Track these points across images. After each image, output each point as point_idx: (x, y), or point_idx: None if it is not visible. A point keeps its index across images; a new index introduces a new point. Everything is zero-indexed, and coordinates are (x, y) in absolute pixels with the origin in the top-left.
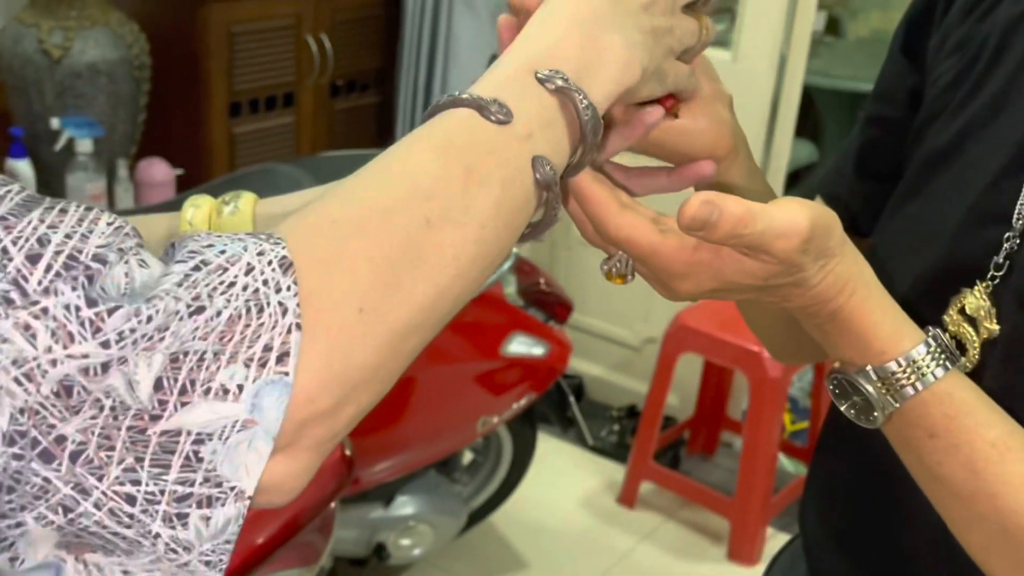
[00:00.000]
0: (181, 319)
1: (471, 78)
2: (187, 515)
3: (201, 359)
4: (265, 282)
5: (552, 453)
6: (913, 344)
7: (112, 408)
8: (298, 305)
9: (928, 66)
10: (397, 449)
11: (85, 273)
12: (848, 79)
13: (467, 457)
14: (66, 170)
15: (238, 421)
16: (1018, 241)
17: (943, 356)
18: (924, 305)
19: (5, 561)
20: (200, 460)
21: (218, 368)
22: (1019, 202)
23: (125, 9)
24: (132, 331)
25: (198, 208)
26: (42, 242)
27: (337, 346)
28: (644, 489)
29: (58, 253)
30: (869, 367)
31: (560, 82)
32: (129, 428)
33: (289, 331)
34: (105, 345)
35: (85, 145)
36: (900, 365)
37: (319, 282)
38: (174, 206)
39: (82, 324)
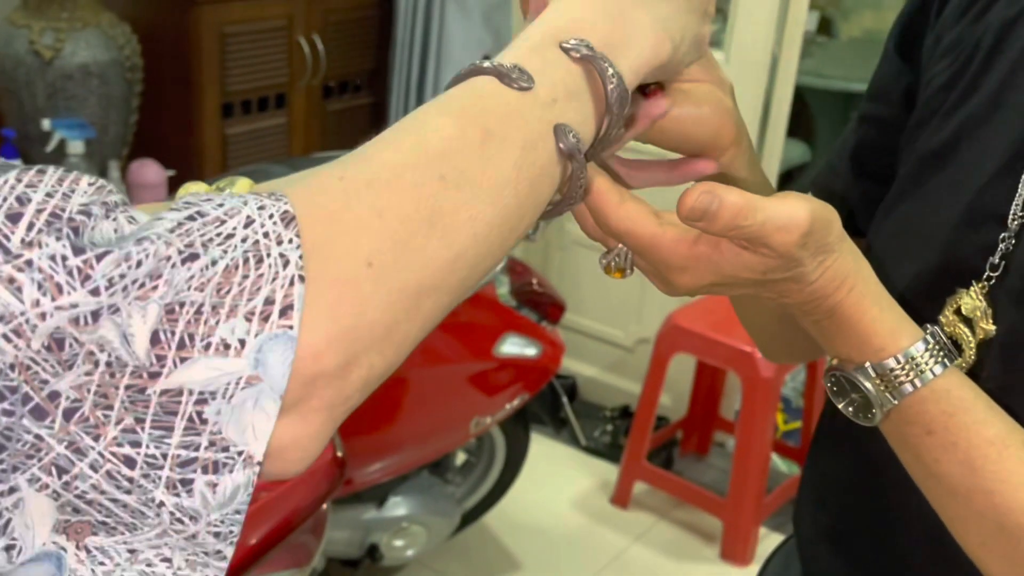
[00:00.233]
0: (174, 265)
1: None
2: (192, 481)
3: (199, 311)
4: (266, 234)
5: (545, 454)
6: (911, 341)
7: (108, 364)
8: (300, 258)
9: (923, 66)
10: (390, 450)
11: (70, 225)
12: (840, 79)
13: (460, 458)
14: None
15: (241, 378)
16: (1013, 242)
17: (941, 353)
18: (919, 305)
19: (2, 552)
20: (204, 422)
21: (217, 322)
22: (1014, 203)
23: (116, 10)
24: (122, 276)
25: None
26: (22, 200)
27: (345, 300)
28: (637, 489)
29: (40, 211)
30: (867, 364)
31: (585, 50)
32: (128, 387)
33: (292, 283)
34: (95, 292)
35: (76, 146)
36: (899, 362)
37: (324, 235)
38: None
39: (69, 273)
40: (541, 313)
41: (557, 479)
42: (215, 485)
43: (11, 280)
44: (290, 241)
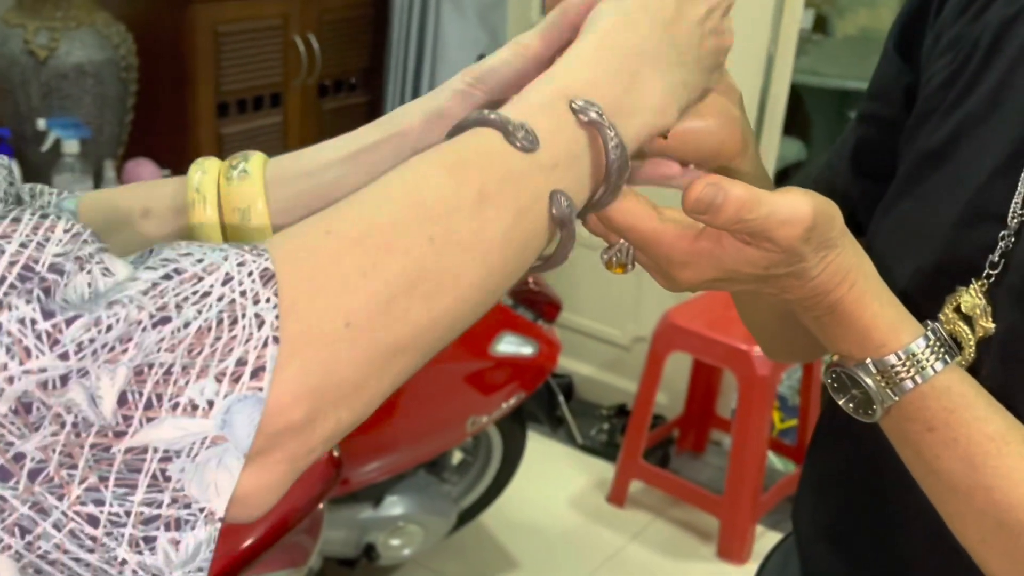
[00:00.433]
0: (144, 329)
1: None
2: (155, 539)
3: (168, 372)
4: (243, 293)
5: (542, 452)
6: (912, 337)
7: (74, 424)
8: (277, 317)
9: (922, 65)
10: (386, 449)
11: (41, 286)
12: (836, 77)
13: (457, 457)
14: (53, 171)
15: (207, 438)
16: (1013, 239)
17: (942, 350)
18: (919, 304)
19: None
20: (168, 479)
21: (187, 383)
22: (1013, 200)
23: (111, 10)
24: (91, 341)
25: (205, 173)
26: None
27: (317, 358)
28: (634, 488)
29: (12, 264)
30: (868, 360)
31: (594, 115)
32: (93, 445)
33: (265, 344)
34: (63, 357)
35: (72, 146)
36: (900, 358)
37: (304, 292)
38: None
39: (38, 337)
40: (537, 312)
41: (553, 478)
42: (177, 542)
43: None
44: (267, 300)
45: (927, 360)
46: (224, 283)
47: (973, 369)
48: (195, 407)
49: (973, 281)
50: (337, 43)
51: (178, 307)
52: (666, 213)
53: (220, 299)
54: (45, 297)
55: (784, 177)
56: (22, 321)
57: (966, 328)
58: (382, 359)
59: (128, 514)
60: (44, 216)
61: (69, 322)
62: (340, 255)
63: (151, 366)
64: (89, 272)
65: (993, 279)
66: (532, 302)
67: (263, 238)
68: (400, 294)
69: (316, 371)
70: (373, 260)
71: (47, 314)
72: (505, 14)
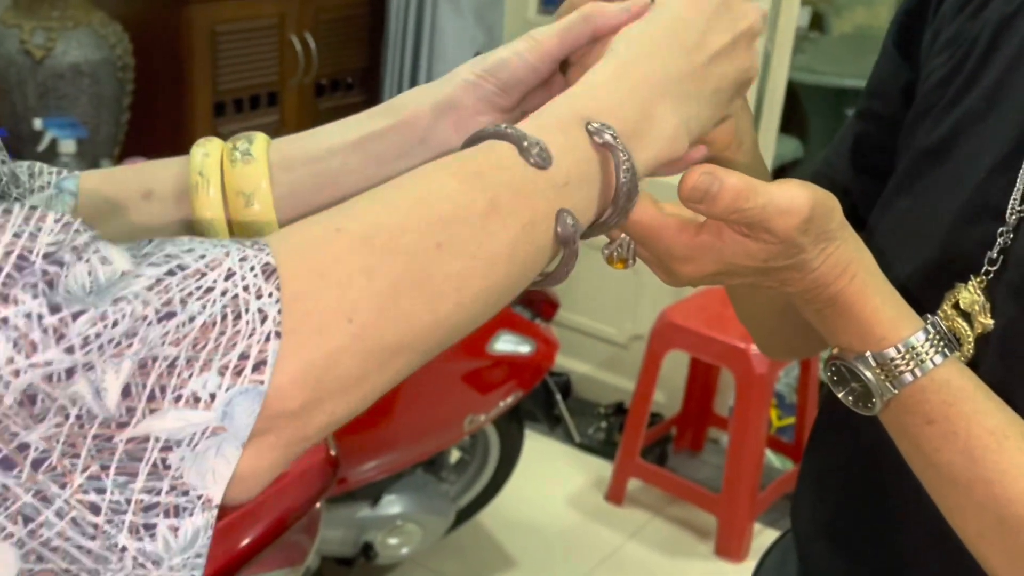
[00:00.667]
0: (149, 324)
1: None
2: (155, 525)
3: (172, 365)
4: (246, 288)
5: (539, 451)
6: (912, 331)
7: (78, 416)
8: (279, 312)
9: (921, 62)
10: (384, 448)
11: (44, 279)
12: (832, 75)
13: (454, 456)
14: None
15: (208, 428)
16: (1011, 236)
17: (942, 343)
18: (918, 300)
19: None
20: (168, 467)
21: (190, 375)
22: (1012, 197)
23: (108, 9)
24: (97, 336)
25: (208, 155)
26: None
27: (319, 350)
28: (631, 486)
29: (7, 254)
30: (868, 353)
31: (609, 137)
32: (95, 436)
33: (268, 339)
34: (69, 351)
35: (68, 146)
36: (899, 351)
37: (308, 287)
38: None
39: (44, 331)
40: (535, 310)
41: (551, 476)
42: (176, 529)
43: None
44: (270, 295)
45: (927, 353)
46: (227, 278)
47: (972, 365)
48: (197, 399)
49: (972, 277)
50: (334, 42)
51: (182, 302)
52: (666, 207)
53: (223, 294)
54: (49, 290)
55: (781, 175)
56: (28, 316)
57: (965, 324)
58: (383, 356)
59: (128, 502)
60: (33, 208)
61: (75, 316)
62: (346, 252)
63: (155, 359)
64: (88, 261)
65: (992, 275)
66: (530, 301)
67: (267, 224)
68: (404, 294)
69: (318, 363)
70: (379, 259)
71: (53, 308)
72: (502, 12)
